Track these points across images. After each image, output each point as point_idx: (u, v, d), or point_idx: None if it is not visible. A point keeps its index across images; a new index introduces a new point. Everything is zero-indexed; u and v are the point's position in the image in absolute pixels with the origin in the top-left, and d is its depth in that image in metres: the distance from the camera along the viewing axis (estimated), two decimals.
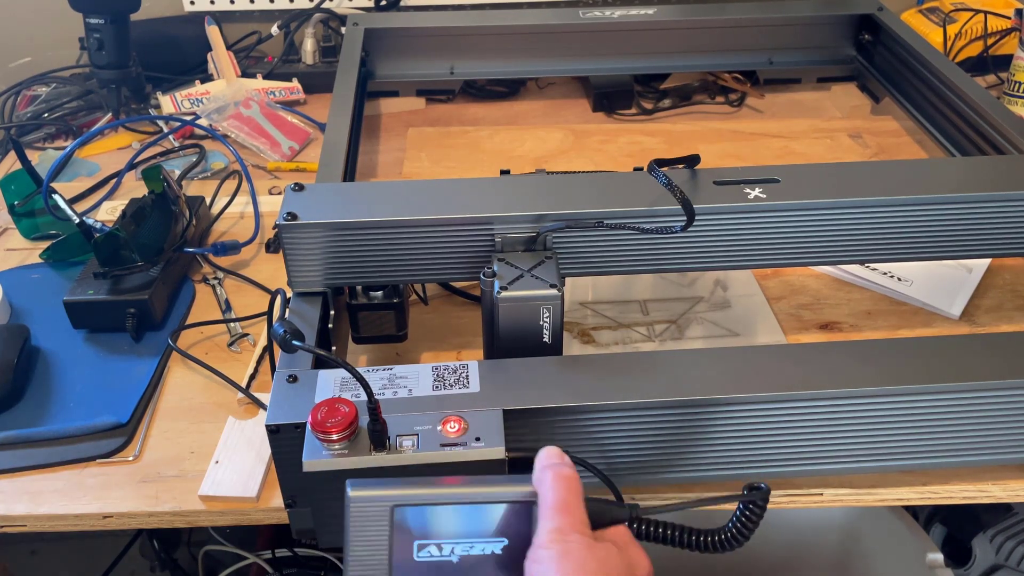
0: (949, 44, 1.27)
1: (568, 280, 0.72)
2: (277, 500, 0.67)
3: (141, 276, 0.85)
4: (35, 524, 0.68)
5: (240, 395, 0.77)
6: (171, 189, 0.91)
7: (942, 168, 0.79)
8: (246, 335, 0.85)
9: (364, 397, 0.53)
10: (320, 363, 0.65)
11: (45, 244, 0.95)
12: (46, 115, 1.23)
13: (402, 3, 1.35)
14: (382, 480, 0.51)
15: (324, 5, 1.33)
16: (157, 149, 1.16)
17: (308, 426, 0.55)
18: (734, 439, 0.63)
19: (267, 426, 0.58)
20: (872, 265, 0.89)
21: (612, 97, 1.24)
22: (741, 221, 0.72)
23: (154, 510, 0.68)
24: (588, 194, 0.73)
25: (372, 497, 0.49)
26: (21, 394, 0.78)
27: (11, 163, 1.14)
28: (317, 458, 0.54)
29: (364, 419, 0.55)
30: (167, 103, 1.22)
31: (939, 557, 0.93)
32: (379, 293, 0.75)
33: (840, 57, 1.27)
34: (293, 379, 0.62)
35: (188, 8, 1.35)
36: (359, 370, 0.54)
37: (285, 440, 0.58)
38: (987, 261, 0.90)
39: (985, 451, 0.65)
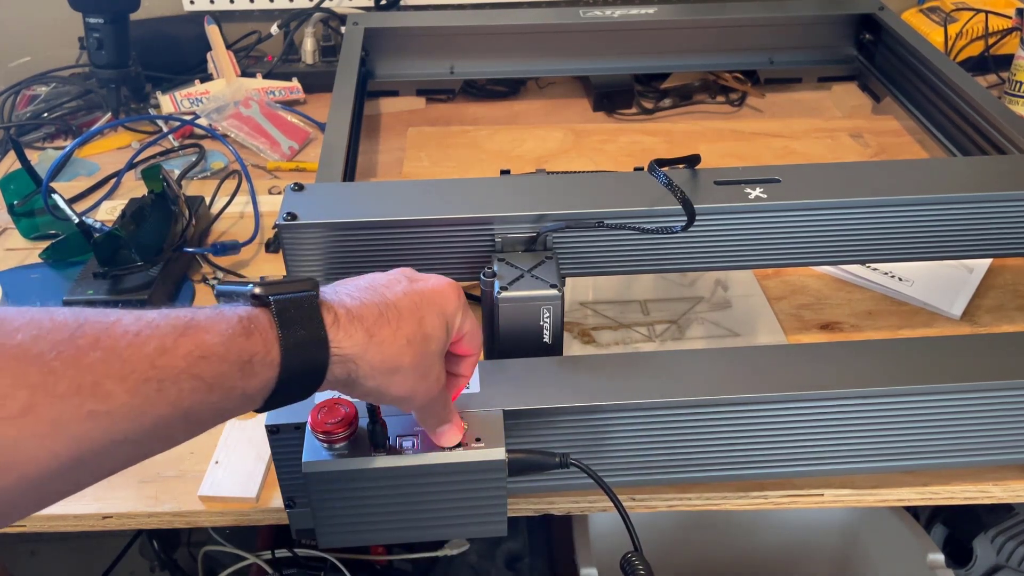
0: (950, 44, 1.27)
1: (568, 280, 0.72)
2: (277, 500, 0.67)
3: (141, 276, 0.85)
4: (35, 524, 0.68)
5: None
6: (171, 189, 0.91)
7: (943, 168, 0.79)
8: None
9: None
10: None
11: (45, 244, 0.95)
12: (46, 115, 1.23)
13: (402, 3, 1.35)
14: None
15: (324, 5, 1.32)
16: (157, 149, 1.16)
17: (308, 426, 0.55)
18: (734, 439, 0.63)
19: (267, 426, 0.58)
20: (873, 265, 0.89)
21: (612, 97, 1.24)
22: (742, 221, 0.72)
23: (154, 510, 0.67)
24: (588, 194, 0.73)
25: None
26: None
27: (11, 163, 1.14)
28: (317, 458, 0.54)
29: (364, 419, 0.55)
30: (167, 103, 1.22)
31: (940, 558, 0.93)
32: None
33: (841, 57, 1.27)
34: None
35: (188, 8, 1.35)
36: None
37: (285, 440, 0.58)
38: (988, 261, 0.90)
39: (986, 451, 0.65)
